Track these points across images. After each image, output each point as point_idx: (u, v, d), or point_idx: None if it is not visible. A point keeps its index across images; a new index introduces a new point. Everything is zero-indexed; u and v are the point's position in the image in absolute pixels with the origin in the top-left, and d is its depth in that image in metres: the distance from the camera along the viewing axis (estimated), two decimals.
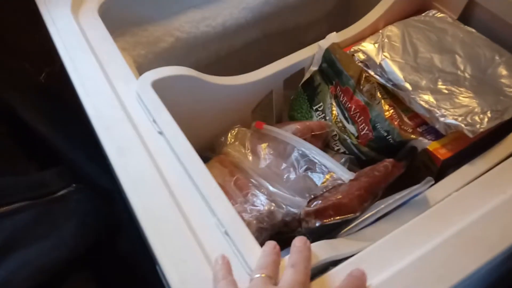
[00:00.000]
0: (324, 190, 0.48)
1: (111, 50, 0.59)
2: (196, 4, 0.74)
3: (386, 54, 0.58)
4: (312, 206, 0.46)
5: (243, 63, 0.73)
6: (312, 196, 0.47)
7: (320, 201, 0.46)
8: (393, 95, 0.57)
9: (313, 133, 0.57)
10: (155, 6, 0.72)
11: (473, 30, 0.62)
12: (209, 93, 0.59)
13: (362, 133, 0.55)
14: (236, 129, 0.61)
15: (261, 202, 0.49)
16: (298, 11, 0.80)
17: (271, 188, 0.50)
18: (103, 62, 0.57)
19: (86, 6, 0.65)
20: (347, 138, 0.57)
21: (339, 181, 0.49)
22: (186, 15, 0.74)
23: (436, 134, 0.53)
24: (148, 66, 0.70)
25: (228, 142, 0.60)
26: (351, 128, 0.57)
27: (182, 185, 0.44)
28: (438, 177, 0.47)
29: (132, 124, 0.50)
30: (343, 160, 0.55)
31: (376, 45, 0.60)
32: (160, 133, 0.49)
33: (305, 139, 0.56)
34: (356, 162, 0.56)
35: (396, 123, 0.53)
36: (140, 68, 0.69)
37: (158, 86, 0.54)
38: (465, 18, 0.65)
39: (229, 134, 0.61)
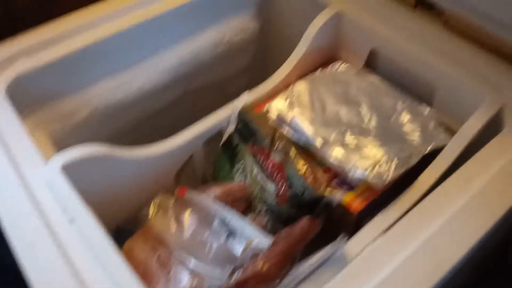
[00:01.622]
0: (244, 259, 0.48)
1: (18, 133, 0.57)
2: (111, 71, 0.74)
3: (296, 111, 0.60)
4: (233, 278, 0.45)
5: (169, 123, 0.73)
6: (233, 267, 0.47)
7: (240, 272, 0.46)
8: (307, 149, 0.59)
9: (233, 196, 0.57)
10: (68, 78, 0.70)
11: (376, 79, 0.65)
12: (126, 169, 0.58)
13: (281, 191, 0.56)
14: (159, 197, 0.60)
15: (184, 278, 0.48)
16: (215, 68, 0.82)
17: (193, 260, 0.50)
18: (10, 146, 0.55)
19: None
20: (268, 197, 0.58)
21: (259, 247, 0.49)
22: (102, 83, 0.73)
23: (350, 185, 0.55)
24: (66, 139, 0.69)
25: (150, 214, 0.58)
26: (270, 187, 0.58)
27: (98, 279, 0.43)
28: (356, 229, 0.49)
29: (41, 215, 0.48)
30: (265, 220, 0.55)
31: (287, 101, 0.62)
32: (72, 221, 0.47)
33: (226, 203, 0.56)
34: (280, 221, 0.57)
35: (310, 179, 0.54)
36: (58, 143, 0.67)
37: (69, 169, 0.52)
38: (370, 66, 0.69)
39: (152, 204, 0.59)
